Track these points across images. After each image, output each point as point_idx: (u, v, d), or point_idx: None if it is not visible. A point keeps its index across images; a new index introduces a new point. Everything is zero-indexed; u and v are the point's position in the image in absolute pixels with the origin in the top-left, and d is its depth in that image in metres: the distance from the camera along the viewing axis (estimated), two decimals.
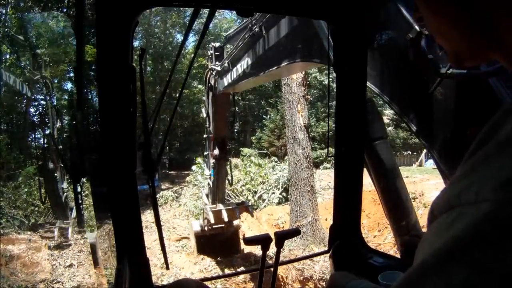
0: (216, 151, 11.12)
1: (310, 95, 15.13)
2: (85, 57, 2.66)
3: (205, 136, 12.07)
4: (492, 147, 0.69)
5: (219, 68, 9.69)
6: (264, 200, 20.27)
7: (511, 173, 0.60)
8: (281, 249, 2.92)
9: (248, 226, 16.04)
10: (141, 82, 2.68)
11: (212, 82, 10.26)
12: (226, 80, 9.19)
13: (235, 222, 12.88)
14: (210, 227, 12.42)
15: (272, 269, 3.08)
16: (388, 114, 31.76)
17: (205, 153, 12.44)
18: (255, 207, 19.51)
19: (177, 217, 21.14)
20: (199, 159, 21.51)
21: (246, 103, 41.14)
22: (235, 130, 42.30)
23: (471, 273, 0.57)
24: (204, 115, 11.69)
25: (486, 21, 0.78)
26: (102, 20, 2.43)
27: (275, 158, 25.09)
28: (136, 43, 41.19)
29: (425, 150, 29.54)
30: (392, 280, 2.49)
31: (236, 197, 19.99)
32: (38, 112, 23.10)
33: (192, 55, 11.51)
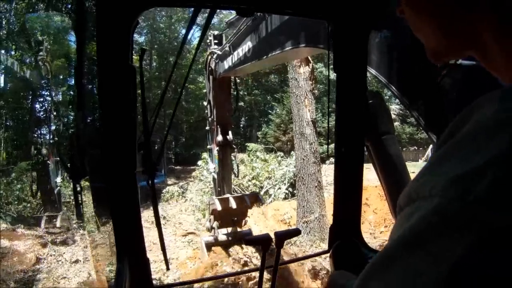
0: (220, 137, 10.94)
1: (317, 90, 15.06)
2: (85, 55, 2.65)
3: (207, 128, 11.88)
4: (448, 146, 0.74)
5: (219, 52, 9.63)
6: (270, 195, 20.23)
7: (459, 171, 0.66)
8: (281, 249, 2.91)
9: (254, 221, 16.04)
10: (141, 82, 2.68)
11: (213, 66, 10.19)
12: (227, 64, 9.13)
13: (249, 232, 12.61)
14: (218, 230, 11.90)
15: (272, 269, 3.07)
16: (394, 109, 31.68)
17: (208, 147, 12.20)
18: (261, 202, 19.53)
19: (183, 212, 21.19)
20: (205, 154, 21.50)
21: (252, 98, 41.11)
22: (241, 126, 42.19)
23: (424, 261, 0.65)
24: (205, 103, 11.54)
25: (461, 20, 0.82)
26: (102, 20, 2.43)
27: (281, 153, 25.05)
28: (141, 39, 41.24)
29: (431, 146, 29.47)
30: None
31: (242, 191, 19.99)
32: (37, 106, 23.03)
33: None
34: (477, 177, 0.63)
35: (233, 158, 11.70)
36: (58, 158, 16.43)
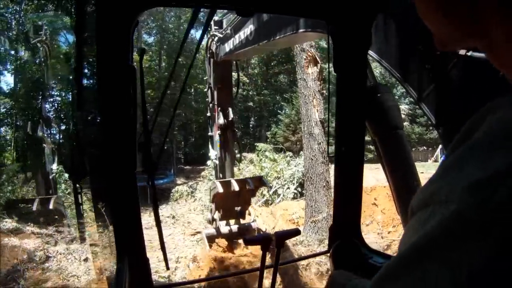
0: (221, 120, 10.80)
1: (325, 90, 15.03)
2: (85, 55, 2.67)
3: (208, 114, 11.79)
4: (464, 150, 0.72)
5: (220, 35, 9.63)
6: (279, 195, 20.20)
7: (478, 176, 0.64)
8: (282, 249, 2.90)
9: (263, 221, 16.03)
10: (141, 82, 2.68)
11: (214, 49, 10.17)
12: (228, 46, 9.14)
13: (253, 225, 12.45)
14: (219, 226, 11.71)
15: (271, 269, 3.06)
16: (403, 109, 31.49)
17: (209, 133, 12.05)
18: (270, 201, 19.51)
19: (192, 211, 21.25)
20: None
21: (262, 98, 41.07)
22: (250, 125, 42.03)
23: (442, 268, 0.63)
24: (206, 89, 11.46)
25: (467, 10, 0.79)
26: (102, 20, 2.43)
27: (290, 153, 25.01)
28: (150, 39, 41.31)
29: (440, 146, 29.29)
30: None
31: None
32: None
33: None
34: (499, 182, 0.61)
35: (235, 144, 11.61)
36: (55, 145, 16.42)
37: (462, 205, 0.63)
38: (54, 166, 16.35)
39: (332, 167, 15.96)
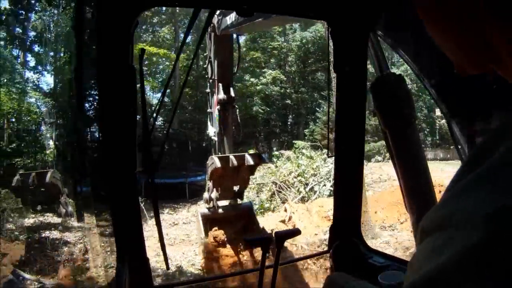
0: (221, 95, 10.60)
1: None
2: (85, 55, 2.69)
3: (207, 90, 11.50)
4: (485, 170, 0.67)
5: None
6: (315, 192, 20.17)
7: (504, 202, 0.58)
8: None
9: (298, 217, 16.07)
10: (141, 82, 2.68)
11: (215, 22, 10.00)
12: (230, 20, 9.06)
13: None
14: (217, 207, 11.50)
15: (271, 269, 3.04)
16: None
17: (209, 110, 11.74)
18: (306, 198, 19.50)
19: None
20: (251, 151, 21.51)
21: (299, 95, 40.93)
22: (288, 123, 42.00)
23: None
24: (205, 65, 11.08)
25: (479, 36, 0.77)
26: (102, 20, 2.45)
27: (327, 151, 24.91)
28: (188, 39, 41.67)
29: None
30: (392, 280, 2.47)
31: (288, 188, 20.07)
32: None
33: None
34: None
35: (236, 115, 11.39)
36: (53, 120, 16.59)
37: (485, 236, 0.57)
38: (51, 142, 16.56)
39: (368, 164, 15.84)
